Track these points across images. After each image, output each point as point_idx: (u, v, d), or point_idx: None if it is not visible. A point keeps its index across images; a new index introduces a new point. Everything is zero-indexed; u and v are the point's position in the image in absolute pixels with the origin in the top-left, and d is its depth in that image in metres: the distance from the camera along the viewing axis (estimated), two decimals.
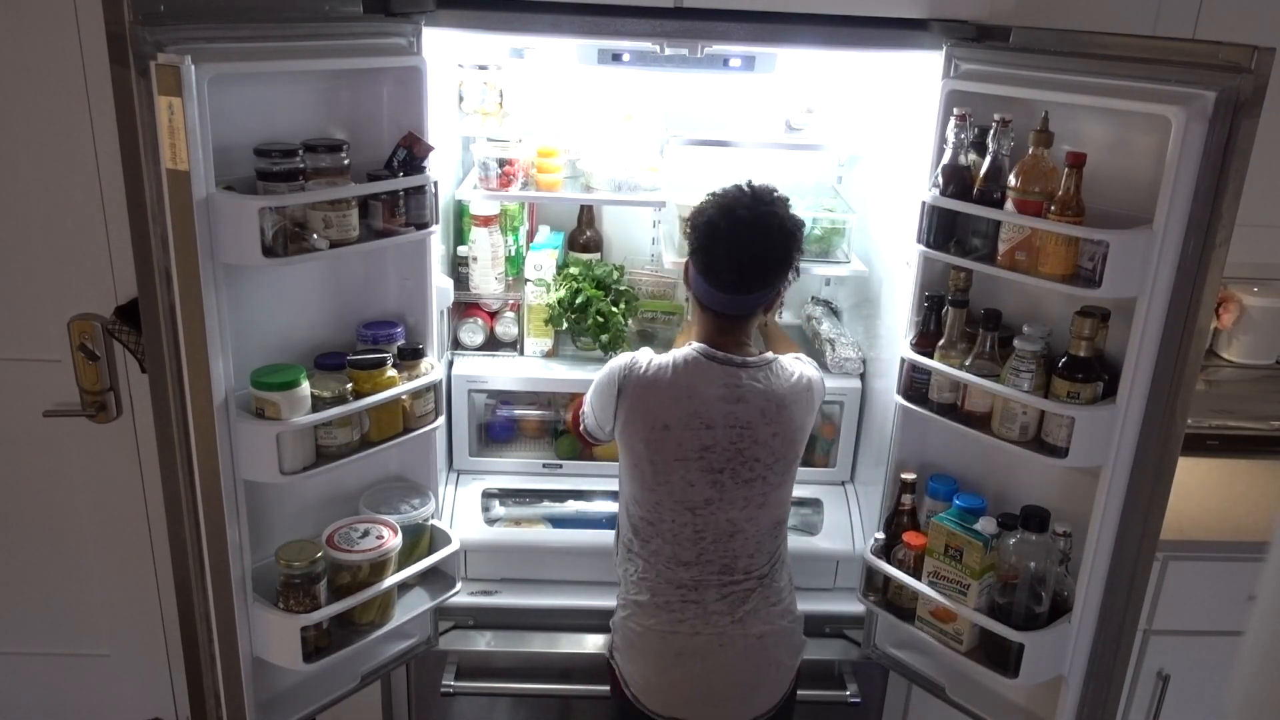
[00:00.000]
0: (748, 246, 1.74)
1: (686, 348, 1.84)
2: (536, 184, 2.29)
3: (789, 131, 2.35)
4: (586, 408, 1.96)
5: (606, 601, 2.03)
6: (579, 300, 2.35)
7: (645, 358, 1.85)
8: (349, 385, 1.85)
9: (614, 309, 2.37)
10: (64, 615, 2.43)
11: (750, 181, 1.80)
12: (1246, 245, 1.75)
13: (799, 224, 1.80)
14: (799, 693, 2.25)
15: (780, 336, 2.21)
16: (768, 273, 1.78)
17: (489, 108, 2.30)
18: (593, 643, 2.26)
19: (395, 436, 1.95)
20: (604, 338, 2.38)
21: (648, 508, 1.85)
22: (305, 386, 1.79)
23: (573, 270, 2.42)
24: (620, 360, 1.87)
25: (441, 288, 2.14)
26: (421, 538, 2.10)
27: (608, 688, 2.01)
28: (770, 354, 1.87)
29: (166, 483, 1.72)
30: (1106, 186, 1.74)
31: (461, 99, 2.32)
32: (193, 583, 1.77)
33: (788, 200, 1.80)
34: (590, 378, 2.35)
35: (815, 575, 2.34)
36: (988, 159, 1.81)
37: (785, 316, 2.58)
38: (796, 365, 1.88)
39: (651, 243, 2.63)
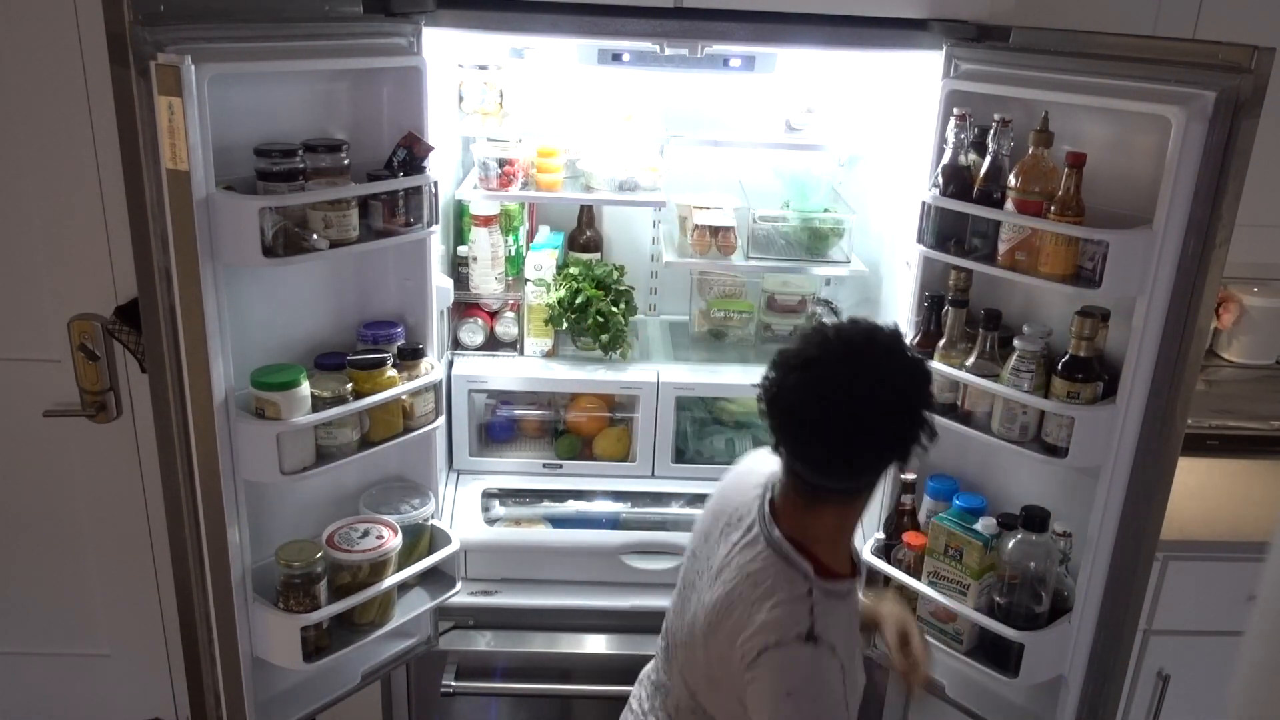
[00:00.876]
0: (834, 423, 1.29)
1: (779, 470, 1.42)
2: (536, 184, 2.29)
3: (789, 131, 2.35)
4: None
5: (607, 601, 2.03)
6: (579, 300, 2.35)
7: (759, 463, 1.51)
8: (349, 385, 1.85)
9: (614, 309, 2.37)
10: (64, 615, 2.43)
11: (839, 325, 1.34)
12: (1246, 245, 1.75)
13: (914, 372, 1.32)
14: None
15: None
16: (871, 455, 1.33)
17: (489, 108, 2.30)
18: (593, 643, 2.26)
19: (395, 436, 1.95)
20: (604, 337, 2.38)
21: None
22: (305, 386, 1.79)
23: (573, 270, 2.42)
24: (761, 457, 1.52)
25: (441, 288, 2.14)
26: (421, 538, 2.10)
27: (607, 687, 2.01)
28: (810, 569, 1.36)
29: (166, 483, 1.72)
30: (1106, 186, 1.74)
31: (461, 99, 2.32)
32: (193, 583, 1.76)
33: (897, 335, 1.34)
34: (590, 377, 2.37)
35: None
36: (988, 159, 1.81)
37: (783, 323, 2.57)
38: (785, 603, 1.34)
39: (651, 242, 2.63)
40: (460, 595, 2.16)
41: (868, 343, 1.32)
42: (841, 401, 1.28)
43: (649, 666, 1.68)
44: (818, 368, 1.30)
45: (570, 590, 2.29)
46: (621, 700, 1.76)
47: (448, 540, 2.10)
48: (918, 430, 1.31)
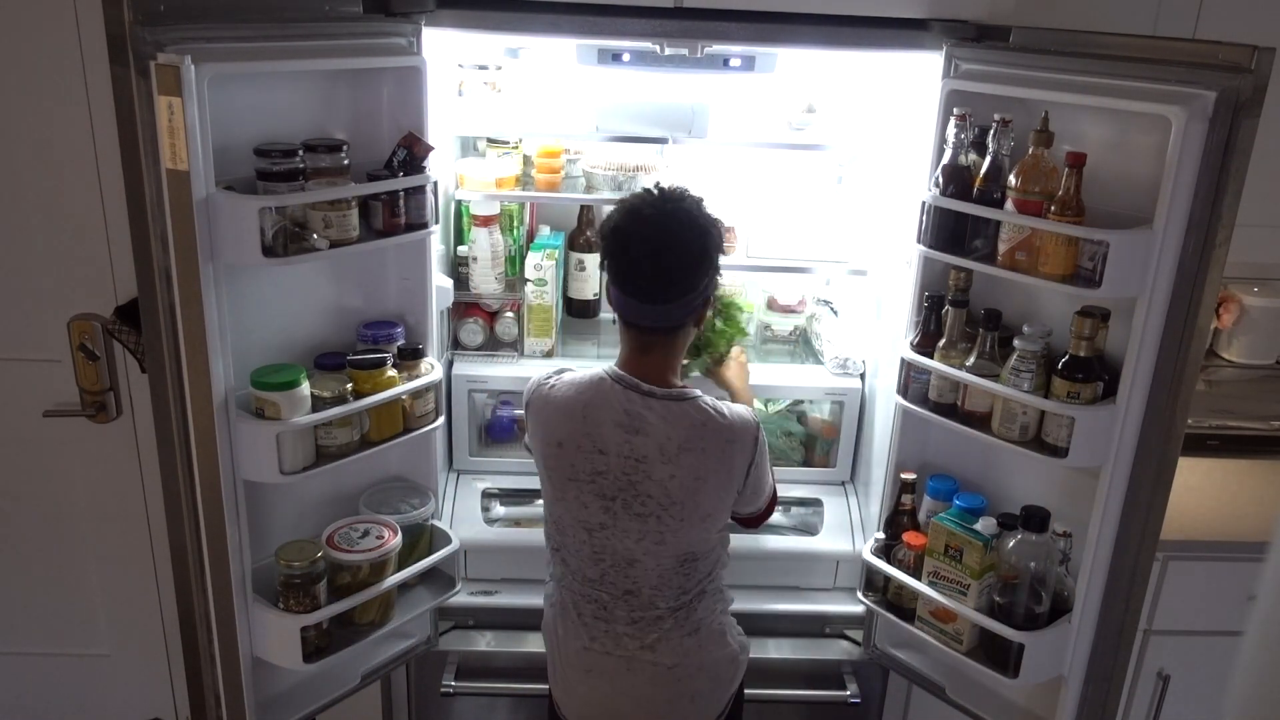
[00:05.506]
0: (660, 246, 1.65)
1: (599, 368, 1.76)
2: (536, 184, 2.30)
3: (790, 131, 2.35)
4: None
5: None
6: None
7: (558, 375, 1.79)
8: (349, 385, 1.85)
9: (715, 326, 2.21)
10: (64, 615, 2.43)
11: (658, 184, 1.73)
12: (1247, 245, 1.75)
13: (712, 220, 1.70)
14: (798, 692, 2.25)
15: (737, 386, 2.12)
16: (687, 273, 1.67)
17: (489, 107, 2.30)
18: None
19: (395, 436, 1.95)
20: (703, 356, 2.21)
21: (554, 518, 1.81)
22: (305, 386, 1.79)
23: None
24: (535, 378, 1.82)
25: (441, 288, 2.14)
26: (421, 538, 2.10)
27: None
28: (695, 390, 1.74)
29: (166, 483, 1.72)
30: (1107, 186, 1.74)
31: (461, 98, 2.32)
32: (193, 583, 1.76)
33: (701, 200, 1.72)
34: None
35: (815, 575, 2.34)
36: (988, 159, 1.81)
37: (783, 322, 2.58)
38: (724, 410, 1.73)
39: None
40: (460, 595, 2.17)
41: (673, 190, 1.70)
42: (659, 220, 1.66)
43: (601, 623, 1.79)
44: (640, 205, 1.68)
45: None
46: None
47: (448, 540, 2.10)
48: (713, 257, 1.71)
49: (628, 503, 1.70)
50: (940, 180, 1.87)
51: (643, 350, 1.73)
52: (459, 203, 2.38)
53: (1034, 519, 1.83)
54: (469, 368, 2.37)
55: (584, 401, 1.71)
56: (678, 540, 1.72)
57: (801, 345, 2.57)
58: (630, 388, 1.71)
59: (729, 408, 1.75)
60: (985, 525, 1.91)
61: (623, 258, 1.68)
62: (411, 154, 1.85)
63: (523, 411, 1.84)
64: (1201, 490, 2.46)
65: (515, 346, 2.46)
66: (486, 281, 2.39)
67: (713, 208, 1.71)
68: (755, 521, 1.92)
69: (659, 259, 1.65)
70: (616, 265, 1.69)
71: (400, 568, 1.98)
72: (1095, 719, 1.93)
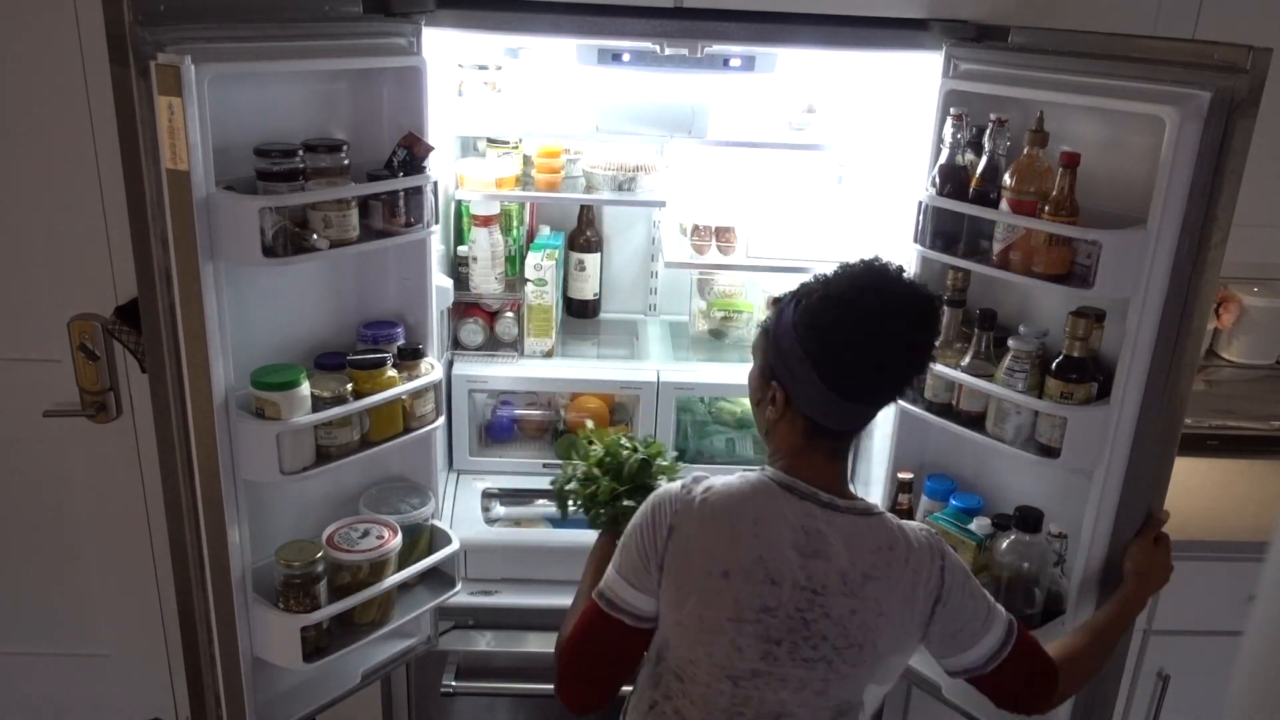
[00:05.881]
0: (894, 332, 1.34)
1: (757, 473, 1.43)
2: (536, 184, 2.30)
3: (790, 131, 2.35)
4: (610, 577, 1.46)
5: None
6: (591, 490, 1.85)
7: (696, 482, 1.43)
8: (349, 385, 1.85)
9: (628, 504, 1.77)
10: (64, 615, 2.44)
11: (877, 257, 1.41)
12: (1246, 245, 1.75)
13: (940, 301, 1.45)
14: None
15: None
16: (912, 368, 1.38)
17: (489, 107, 2.30)
18: None
19: (395, 436, 1.96)
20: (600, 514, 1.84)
21: (680, 662, 1.43)
22: (305, 386, 1.80)
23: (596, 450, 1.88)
24: (669, 490, 1.43)
25: (441, 288, 2.14)
26: (421, 538, 2.10)
27: None
28: (873, 503, 1.44)
29: (166, 483, 1.72)
30: (1102, 186, 1.75)
31: (461, 98, 2.32)
32: (193, 583, 1.77)
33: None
34: (590, 377, 2.36)
35: None
36: (984, 159, 1.81)
37: None
38: (908, 528, 1.42)
39: (651, 242, 2.63)
40: (460, 595, 2.16)
41: (897, 268, 1.41)
42: (896, 302, 1.36)
43: None
44: (864, 282, 1.37)
45: (570, 590, 2.28)
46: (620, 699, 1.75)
47: (448, 540, 2.10)
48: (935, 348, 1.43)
49: (796, 646, 1.36)
50: (937, 180, 1.87)
51: (823, 455, 1.41)
52: (459, 203, 2.38)
53: (1027, 519, 1.83)
54: (469, 368, 2.37)
55: (754, 515, 1.38)
56: (843, 689, 1.39)
57: None
58: (807, 497, 1.39)
59: (910, 526, 1.44)
60: (979, 525, 1.91)
61: (842, 346, 1.34)
62: (411, 154, 1.85)
63: (636, 543, 1.43)
64: (1201, 490, 2.46)
65: (515, 346, 2.46)
66: (486, 281, 2.39)
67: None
68: (1013, 685, 1.47)
69: (893, 350, 1.34)
70: (833, 358, 1.34)
71: (400, 568, 1.98)
72: (1094, 719, 1.93)
